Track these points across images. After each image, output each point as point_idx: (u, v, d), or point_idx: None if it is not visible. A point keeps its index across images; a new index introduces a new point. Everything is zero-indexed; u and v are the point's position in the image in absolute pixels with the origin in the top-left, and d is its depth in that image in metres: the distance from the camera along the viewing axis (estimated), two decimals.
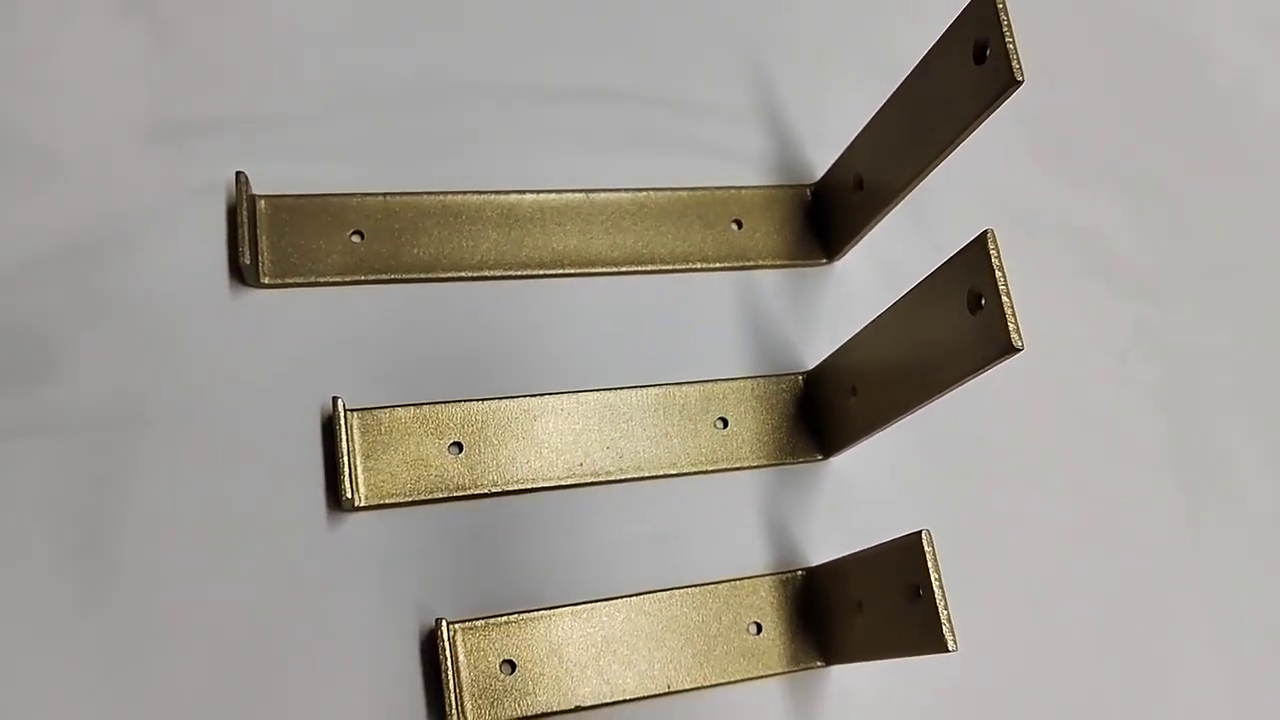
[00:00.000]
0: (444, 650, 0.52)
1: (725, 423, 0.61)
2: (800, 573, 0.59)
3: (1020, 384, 0.66)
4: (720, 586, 0.58)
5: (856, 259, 0.67)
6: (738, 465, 0.61)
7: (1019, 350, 0.44)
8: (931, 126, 0.54)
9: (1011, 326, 0.43)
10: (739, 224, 0.66)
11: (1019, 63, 0.47)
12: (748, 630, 0.58)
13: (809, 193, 0.67)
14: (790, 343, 0.64)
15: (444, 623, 0.52)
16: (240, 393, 0.56)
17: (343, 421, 0.54)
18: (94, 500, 0.52)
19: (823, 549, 0.60)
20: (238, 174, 0.56)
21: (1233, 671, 0.65)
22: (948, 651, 0.46)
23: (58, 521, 0.52)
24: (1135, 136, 0.75)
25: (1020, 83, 0.47)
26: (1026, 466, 0.65)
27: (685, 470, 0.60)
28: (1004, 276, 0.44)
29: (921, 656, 0.49)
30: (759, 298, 0.65)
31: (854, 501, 0.62)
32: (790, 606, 0.58)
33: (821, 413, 0.62)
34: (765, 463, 0.61)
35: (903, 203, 0.60)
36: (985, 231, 0.45)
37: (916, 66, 0.55)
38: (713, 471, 0.61)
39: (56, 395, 0.53)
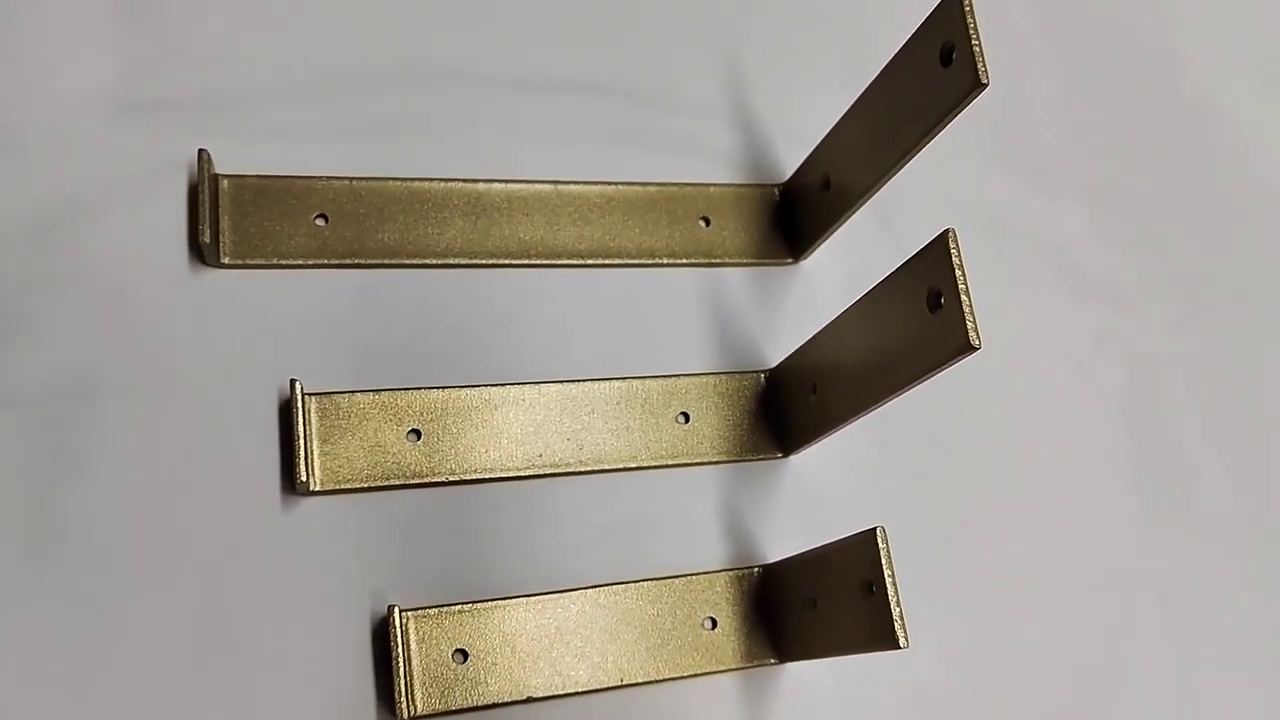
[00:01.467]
0: (396, 637, 0.51)
1: (687, 418, 0.61)
2: (757, 569, 0.59)
3: (981, 386, 0.67)
4: (676, 581, 0.58)
5: (822, 260, 0.67)
6: (698, 460, 0.61)
7: (976, 349, 0.44)
8: (898, 128, 0.54)
9: (970, 325, 0.44)
10: (706, 221, 0.66)
11: (984, 66, 0.48)
12: (703, 625, 0.58)
13: (776, 192, 0.68)
14: (754, 340, 0.64)
15: (396, 609, 0.52)
16: (197, 372, 0.55)
17: (300, 404, 0.54)
18: (45, 476, 0.51)
19: (780, 546, 0.60)
20: (200, 151, 0.56)
21: (1181, 671, 0.65)
22: (899, 648, 0.46)
23: (6, 493, 0.51)
24: (1101, 146, 0.76)
25: (985, 85, 0.48)
26: (986, 468, 0.65)
27: (646, 464, 0.60)
28: (963, 275, 0.45)
29: (877, 654, 0.49)
30: (724, 295, 0.65)
31: (812, 499, 0.62)
32: (746, 602, 0.59)
33: (782, 411, 0.62)
34: (725, 459, 0.61)
35: (869, 206, 0.60)
36: (945, 231, 0.45)
37: (884, 69, 0.55)
38: (673, 466, 0.61)
39: (10, 368, 0.53)
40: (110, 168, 0.57)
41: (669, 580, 0.58)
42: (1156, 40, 0.81)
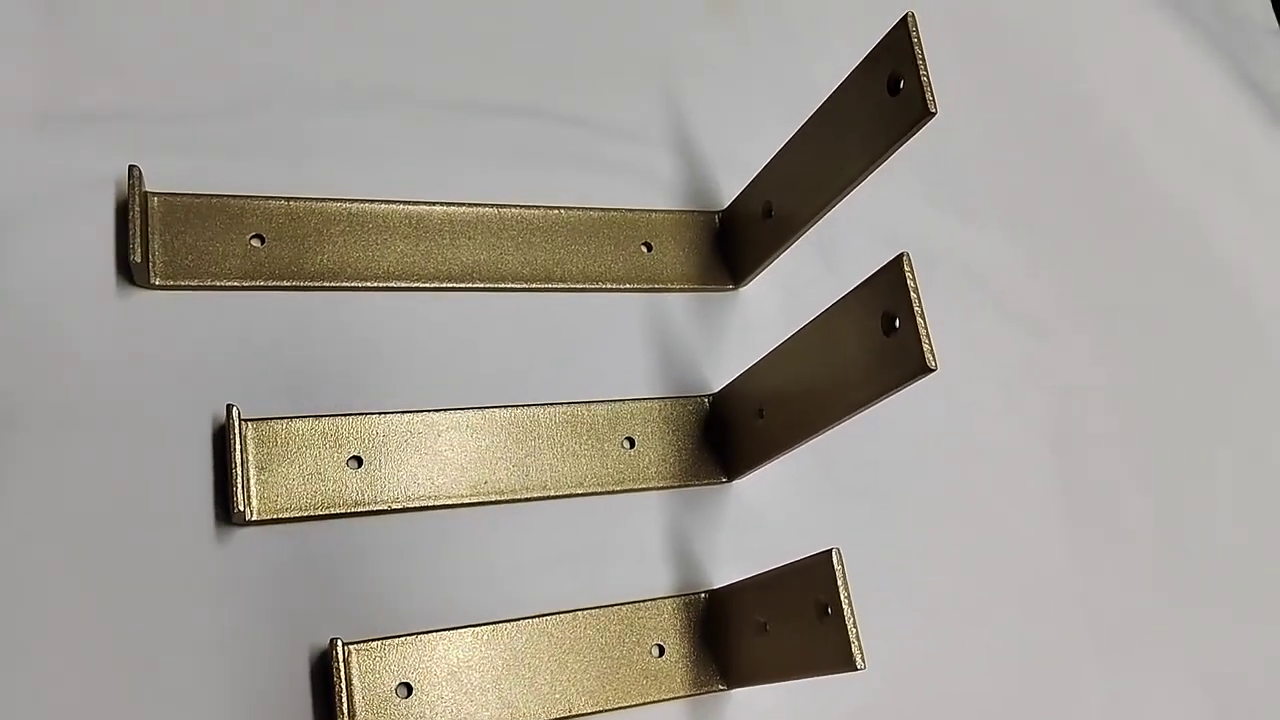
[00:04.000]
0: (337, 671, 0.50)
1: (632, 443, 0.61)
2: (704, 594, 0.59)
3: (916, 413, 0.68)
4: (623, 608, 0.58)
5: (762, 286, 0.68)
6: (644, 486, 0.60)
7: (933, 370, 0.45)
8: (843, 157, 0.55)
9: (926, 347, 0.45)
10: (649, 246, 0.66)
11: (932, 94, 0.49)
12: (651, 653, 0.57)
13: (717, 219, 0.68)
14: (697, 365, 0.65)
15: (339, 643, 0.50)
16: (124, 398, 0.52)
17: (236, 430, 0.51)
18: None
19: (726, 571, 0.60)
20: (131, 168, 0.53)
21: (1114, 686, 0.67)
22: (856, 670, 0.46)
23: None
24: (1025, 181, 0.79)
25: (933, 114, 0.49)
26: (923, 493, 0.67)
27: (591, 490, 0.59)
28: (918, 299, 0.45)
29: (824, 677, 0.49)
30: (667, 320, 0.65)
31: (756, 524, 0.62)
32: (693, 629, 0.58)
33: (727, 435, 0.62)
34: (670, 484, 0.61)
35: (808, 235, 0.61)
36: (900, 255, 0.46)
37: (829, 97, 0.56)
38: (619, 492, 0.60)
39: None
40: (34, 184, 0.54)
41: (616, 608, 0.57)
42: (1071, 79, 0.84)
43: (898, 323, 0.46)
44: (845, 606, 0.47)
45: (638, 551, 0.60)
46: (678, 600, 0.59)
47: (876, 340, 0.47)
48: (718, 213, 0.68)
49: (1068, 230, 0.79)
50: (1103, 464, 0.72)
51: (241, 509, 0.50)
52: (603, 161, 0.67)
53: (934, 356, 0.44)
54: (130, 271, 0.54)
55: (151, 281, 0.55)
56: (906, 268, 0.46)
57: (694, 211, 0.68)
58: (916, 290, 0.46)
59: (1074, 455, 0.72)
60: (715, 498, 0.62)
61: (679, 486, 0.61)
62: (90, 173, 0.55)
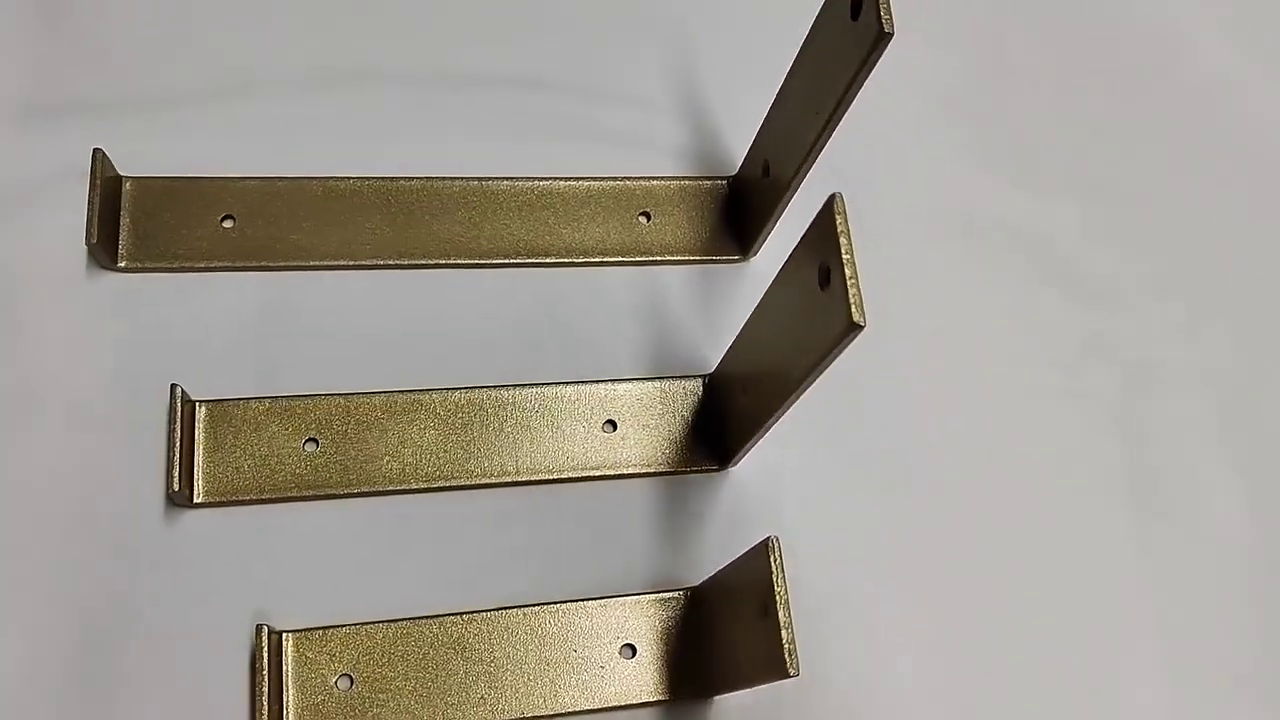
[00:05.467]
0: (262, 660, 0.47)
1: (614, 426, 0.56)
2: (683, 591, 0.54)
3: (953, 394, 0.60)
4: (591, 604, 0.53)
5: (776, 256, 0.61)
6: (623, 472, 0.56)
7: (860, 327, 0.38)
8: (819, 98, 0.49)
9: (853, 302, 0.38)
10: (647, 216, 0.61)
11: (889, 14, 0.42)
12: (620, 653, 0.52)
13: (726, 185, 0.63)
14: (695, 344, 0.59)
15: (265, 629, 0.48)
16: (85, 378, 0.53)
17: (179, 410, 0.50)
18: None
19: (716, 567, 0.54)
20: (95, 151, 0.54)
21: (1181, 706, 0.56)
22: (788, 677, 0.40)
23: None
24: (1089, 137, 0.69)
25: (889, 35, 0.42)
26: (951, 483, 0.58)
27: (563, 476, 0.55)
28: (849, 245, 0.39)
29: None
30: (662, 294, 0.60)
31: (754, 516, 0.56)
32: (669, 629, 0.53)
33: (720, 417, 0.56)
34: (657, 470, 0.56)
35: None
36: (831, 196, 0.40)
37: (806, 35, 0.50)
38: (595, 478, 0.55)
39: None
40: (18, 172, 0.56)
41: (583, 603, 0.53)
42: (1157, 24, 0.73)
43: (830, 276, 0.40)
44: (780, 605, 0.41)
45: (615, 544, 0.55)
46: (653, 597, 0.53)
47: (815, 297, 0.41)
48: (726, 178, 0.63)
49: (1143, 191, 0.68)
50: (1180, 453, 0.61)
51: (177, 489, 0.49)
52: (599, 130, 0.63)
53: (862, 312, 0.38)
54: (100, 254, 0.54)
55: (118, 264, 0.55)
56: (838, 209, 0.39)
57: (699, 178, 0.63)
58: (848, 234, 0.39)
59: (1146, 443, 0.61)
60: (709, 487, 0.57)
61: (668, 474, 0.56)
62: (72, 160, 0.56)
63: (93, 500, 0.51)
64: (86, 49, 0.59)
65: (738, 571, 0.45)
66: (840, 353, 0.40)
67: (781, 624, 0.40)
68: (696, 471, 0.56)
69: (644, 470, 0.56)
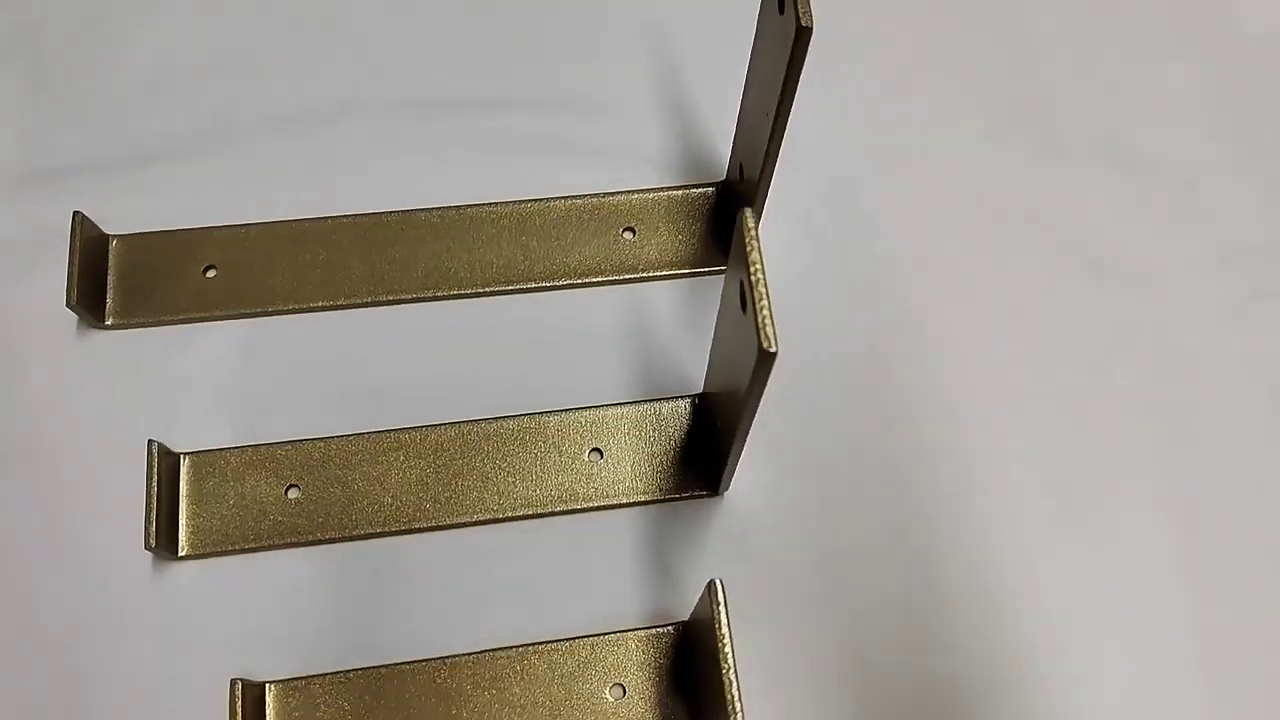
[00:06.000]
0: (236, 714, 0.47)
1: (600, 454, 0.54)
2: (674, 626, 0.51)
3: (981, 396, 0.55)
4: (580, 643, 0.51)
5: (775, 262, 0.58)
6: (612, 502, 0.53)
7: (771, 355, 0.35)
8: (766, 97, 0.46)
9: (761, 325, 0.35)
10: (631, 231, 0.59)
11: (808, 8, 0.39)
12: (609, 693, 0.50)
13: (714, 192, 0.59)
14: (684, 363, 0.56)
15: (238, 684, 0.48)
16: (74, 435, 0.54)
17: (155, 467, 0.51)
18: None
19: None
20: (74, 214, 0.55)
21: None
22: None
23: None
24: (1128, 103, 0.62)
25: (808, 30, 0.39)
26: (971, 491, 0.54)
27: (549, 510, 0.53)
28: (760, 264, 0.36)
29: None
30: (647, 313, 0.57)
31: (748, 544, 0.53)
32: (660, 666, 0.50)
33: (708, 439, 0.53)
34: (645, 498, 0.54)
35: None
36: (741, 212, 0.37)
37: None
38: (581, 510, 0.53)
39: None
40: (14, 238, 0.58)
41: (571, 642, 0.51)
42: None
43: (745, 298, 0.37)
44: (723, 656, 0.38)
45: (604, 578, 0.53)
46: (644, 633, 0.51)
47: (740, 319, 0.38)
48: (717, 184, 0.60)
49: (1184, 164, 0.61)
50: (1228, 453, 0.55)
51: (153, 545, 0.50)
52: (578, 144, 0.60)
53: (771, 338, 0.35)
54: (93, 313, 0.55)
55: (106, 322, 0.56)
56: (746, 227, 0.36)
57: (685, 187, 0.60)
58: (758, 250, 0.36)
59: (1191, 441, 0.55)
60: (702, 514, 0.54)
61: (657, 501, 0.54)
62: (62, 223, 0.57)
63: (83, 556, 0.52)
64: (72, 112, 0.60)
65: (697, 612, 0.42)
66: (765, 380, 0.37)
67: (724, 676, 0.38)
68: (688, 498, 0.54)
69: (632, 499, 0.54)
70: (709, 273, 0.58)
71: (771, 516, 0.53)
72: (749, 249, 0.36)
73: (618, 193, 0.59)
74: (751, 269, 0.35)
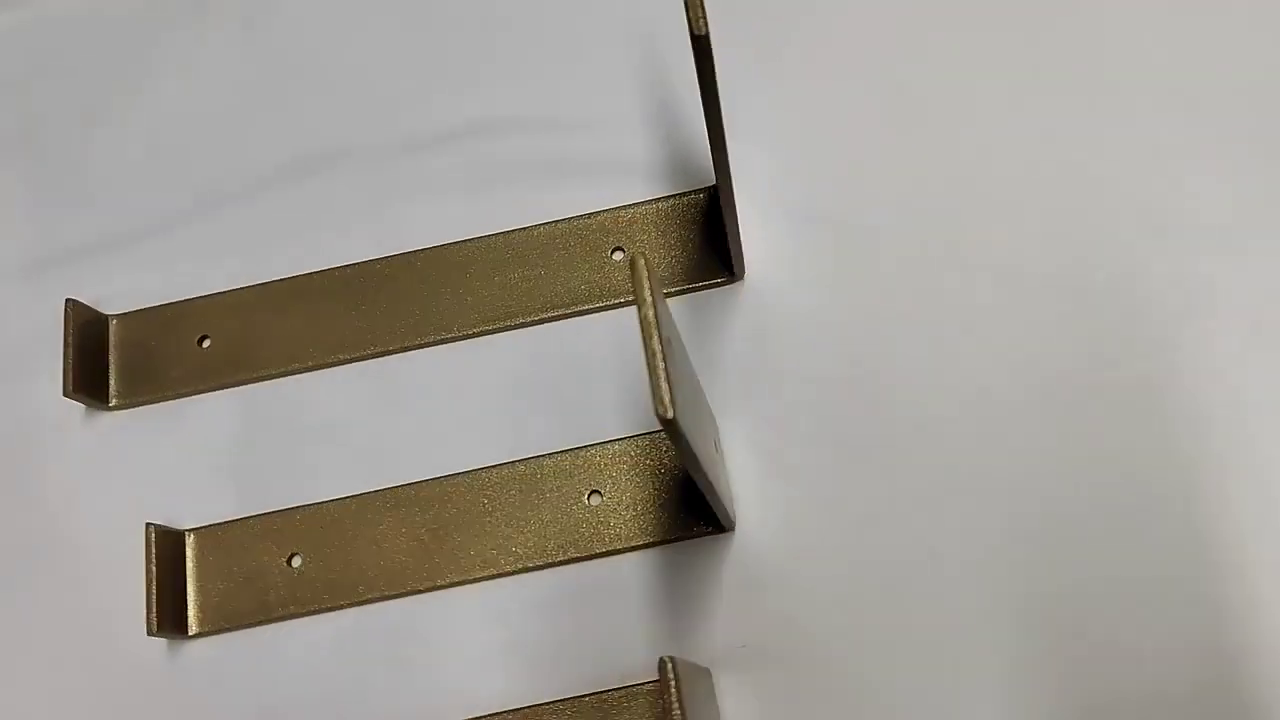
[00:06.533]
0: None
1: (599, 495, 0.51)
2: None
3: (1004, 409, 0.49)
4: (586, 700, 0.48)
5: (768, 270, 0.53)
6: (613, 548, 0.50)
7: (666, 421, 0.31)
8: (707, 102, 0.41)
9: (652, 388, 0.31)
10: (621, 250, 0.55)
11: (701, 15, 0.34)
12: None
13: (705, 196, 0.55)
14: None
15: None
16: (84, 519, 0.55)
17: (153, 550, 0.51)
18: None
19: (720, 647, 0.48)
20: (66, 303, 0.55)
21: None
22: None
23: None
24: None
25: (699, 37, 0.34)
26: (990, 515, 0.48)
27: (548, 561, 0.51)
28: (654, 320, 0.32)
29: None
30: (637, 337, 0.53)
31: (763, 582, 0.49)
32: None
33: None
34: (648, 541, 0.50)
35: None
36: (631, 258, 0.33)
37: None
38: (581, 559, 0.51)
39: None
40: (23, 327, 0.58)
41: (575, 700, 0.48)
42: None
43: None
44: None
45: (608, 629, 0.50)
46: (653, 687, 0.48)
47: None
48: (710, 188, 0.55)
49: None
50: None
51: (155, 629, 0.50)
52: (562, 163, 0.57)
53: (664, 403, 0.31)
54: (97, 398, 0.56)
55: (110, 403, 0.56)
56: (637, 276, 0.32)
57: (676, 195, 0.55)
58: (649, 303, 0.32)
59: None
60: (710, 553, 0.50)
61: (660, 544, 0.50)
62: (58, 310, 0.58)
63: (96, 640, 0.52)
64: (68, 198, 0.61)
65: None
66: (680, 442, 0.33)
67: None
68: (693, 537, 0.50)
69: (633, 543, 0.50)
70: (704, 287, 0.54)
71: (786, 549, 0.49)
72: (639, 302, 0.31)
73: (603, 211, 0.55)
74: (643, 323, 0.31)
